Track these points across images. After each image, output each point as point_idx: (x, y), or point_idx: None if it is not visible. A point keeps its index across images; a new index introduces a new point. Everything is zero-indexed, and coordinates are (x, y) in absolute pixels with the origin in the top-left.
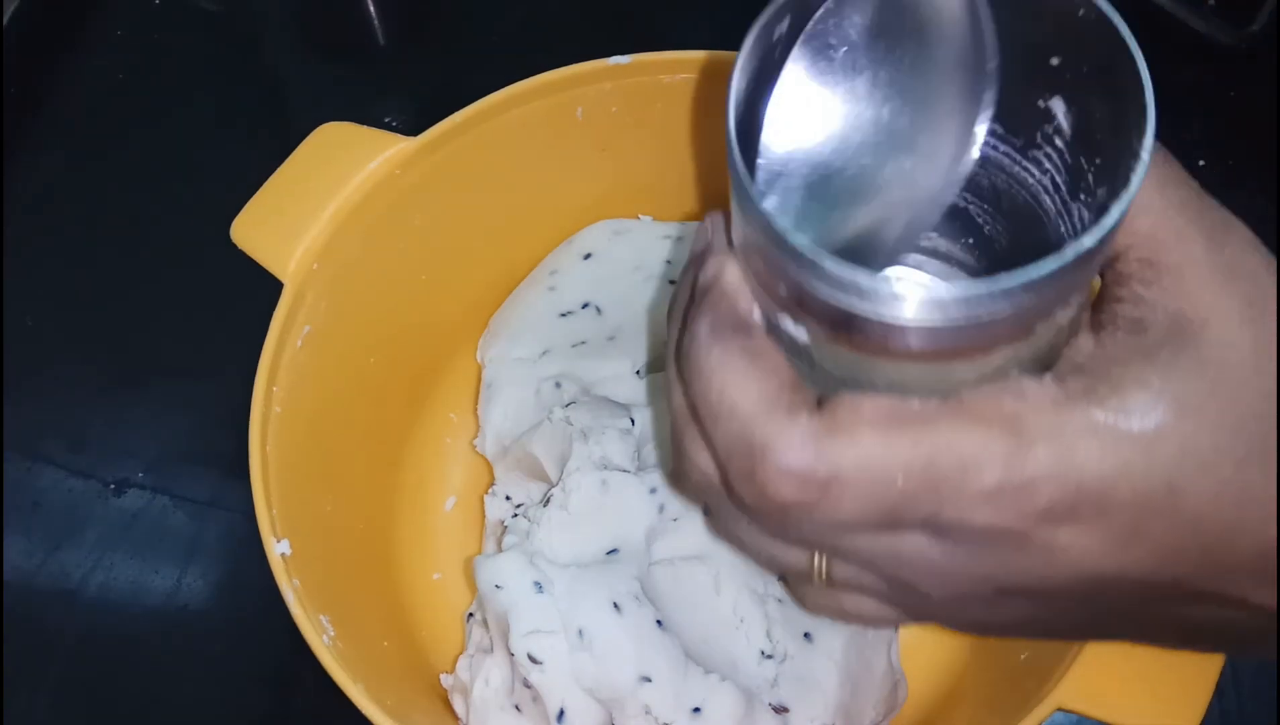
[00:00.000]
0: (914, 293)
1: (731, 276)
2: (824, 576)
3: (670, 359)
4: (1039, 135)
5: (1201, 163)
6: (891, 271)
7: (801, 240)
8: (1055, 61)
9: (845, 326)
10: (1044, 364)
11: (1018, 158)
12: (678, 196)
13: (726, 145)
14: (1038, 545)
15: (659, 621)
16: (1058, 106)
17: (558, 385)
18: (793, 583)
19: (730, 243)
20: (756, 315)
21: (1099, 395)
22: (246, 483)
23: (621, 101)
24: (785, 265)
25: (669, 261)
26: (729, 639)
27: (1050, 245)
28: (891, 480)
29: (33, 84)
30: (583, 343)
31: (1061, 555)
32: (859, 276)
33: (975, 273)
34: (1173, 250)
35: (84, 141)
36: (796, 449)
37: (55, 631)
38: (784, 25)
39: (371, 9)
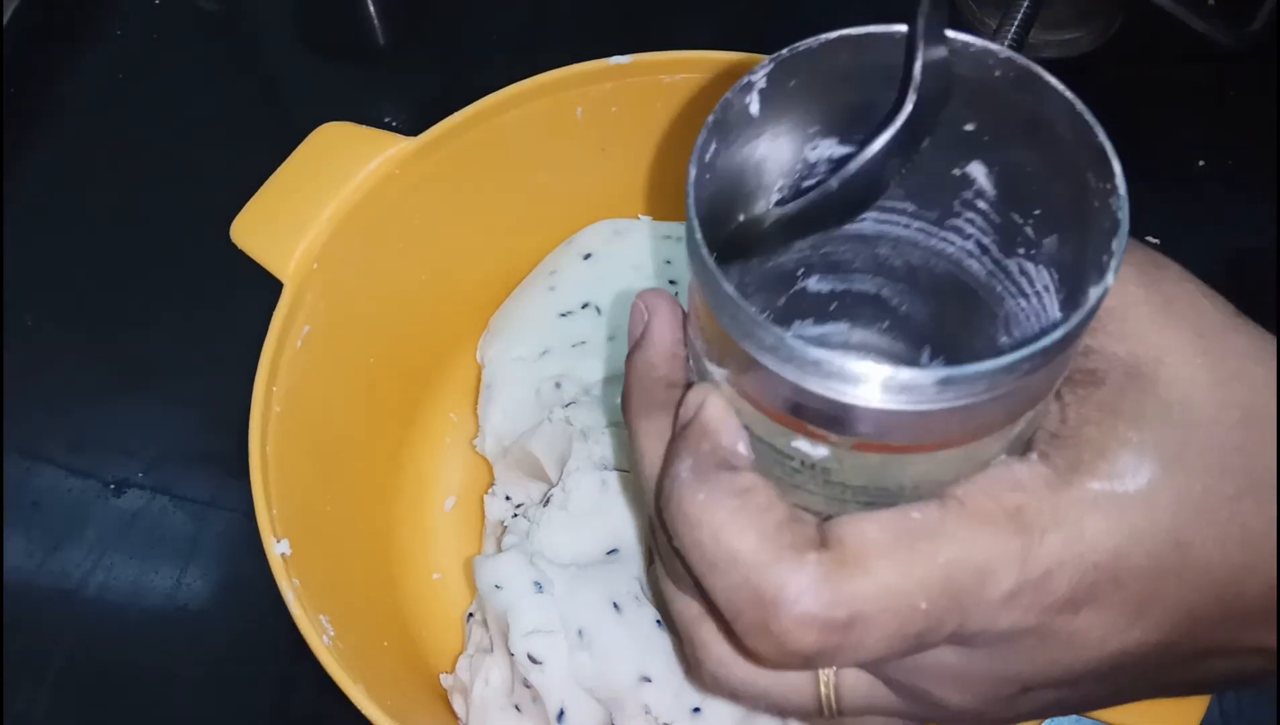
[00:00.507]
0: (967, 374)
1: (714, 410)
2: (835, 709)
3: (642, 478)
4: (957, 202)
5: (1201, 163)
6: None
7: (836, 357)
8: (970, 127)
9: (880, 430)
10: (1028, 437)
11: (934, 230)
12: (678, 196)
13: (701, 276)
14: (1062, 635)
15: (659, 621)
16: (977, 170)
17: (558, 385)
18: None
19: (686, 339)
20: (743, 447)
21: (1087, 464)
22: (246, 483)
23: (621, 101)
24: (813, 386)
25: (669, 261)
26: None
27: (983, 309)
28: (915, 607)
29: (33, 83)
30: (583, 343)
31: (1084, 638)
32: (909, 377)
33: (898, 355)
34: (1110, 294)
35: (84, 141)
36: (811, 594)
37: (55, 631)
38: (712, 148)
39: (371, 9)
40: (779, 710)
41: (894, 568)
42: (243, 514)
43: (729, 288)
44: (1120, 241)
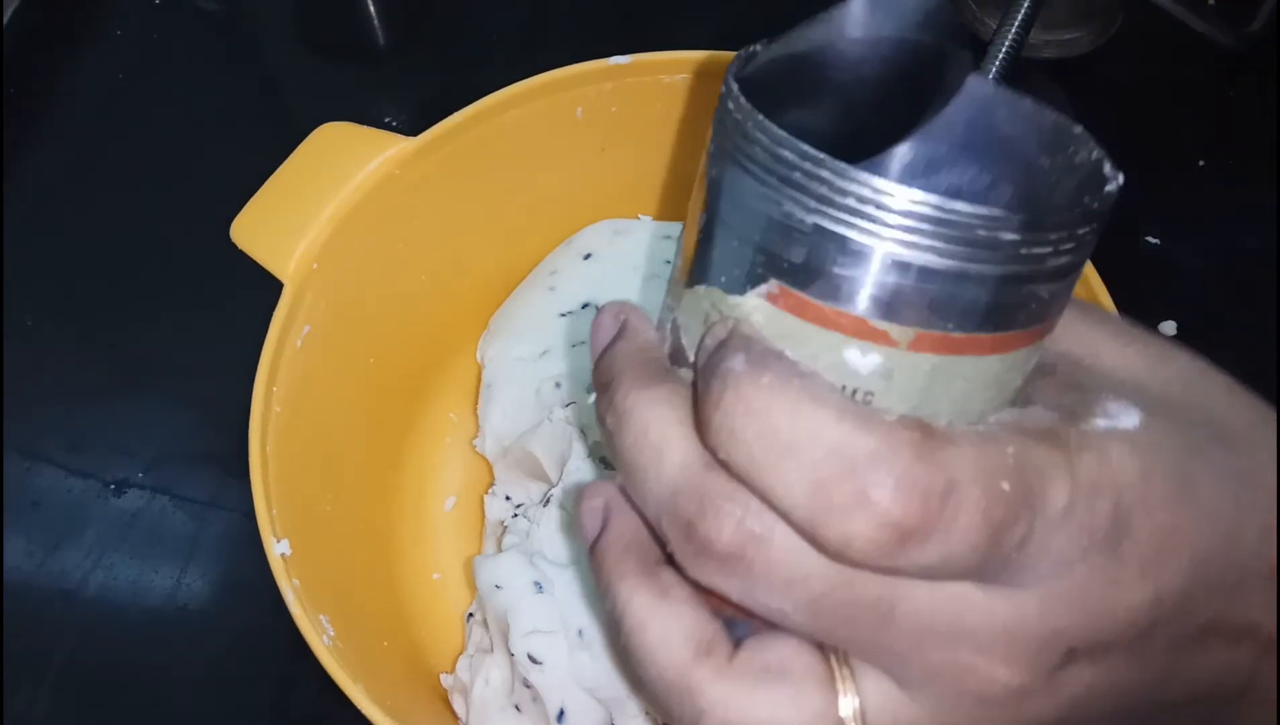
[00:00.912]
0: (1047, 219)
1: (748, 327)
2: None
3: (644, 453)
4: None
5: (1201, 163)
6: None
7: (930, 196)
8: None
9: (951, 302)
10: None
11: None
12: (678, 196)
13: (761, 144)
14: (1106, 571)
15: None
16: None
17: (558, 385)
18: None
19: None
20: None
21: (1083, 412)
22: (246, 483)
23: (621, 101)
24: (893, 241)
25: (669, 261)
26: None
27: None
28: (999, 488)
29: (33, 84)
30: (583, 343)
31: (1124, 575)
32: (1002, 215)
33: None
34: None
35: (84, 141)
36: (910, 453)
37: (55, 631)
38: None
39: (371, 9)
40: None
41: (976, 446)
42: (243, 514)
43: (810, 150)
44: (1112, 167)
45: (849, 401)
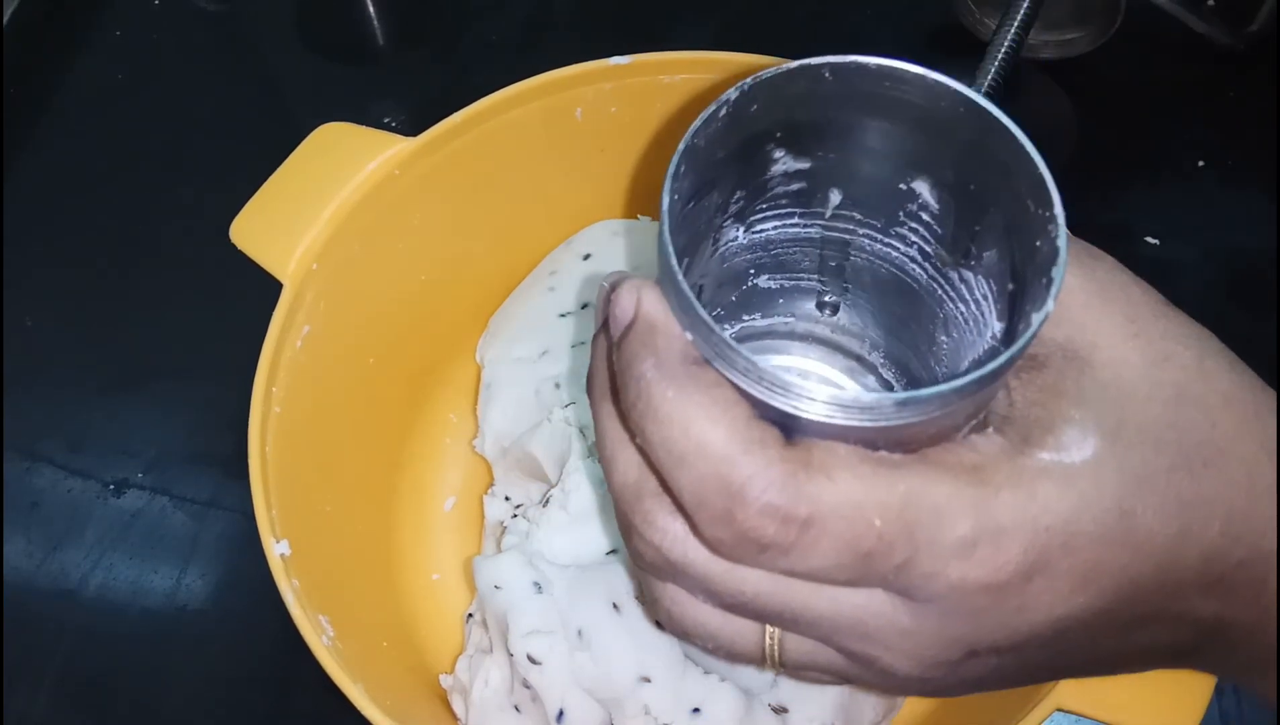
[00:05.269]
0: (920, 397)
1: (654, 305)
2: (777, 660)
3: (606, 435)
4: (901, 212)
5: (1201, 163)
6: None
7: (796, 383)
8: (919, 149)
9: (842, 437)
10: (981, 419)
11: (878, 236)
12: None
13: (682, 307)
14: (1012, 600)
15: (659, 622)
16: (922, 186)
17: (557, 385)
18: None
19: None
20: (690, 336)
21: (1036, 438)
22: (246, 483)
23: (621, 101)
24: (774, 401)
25: None
26: None
27: (924, 308)
28: (869, 522)
29: (33, 84)
30: (582, 343)
31: (1033, 604)
32: (871, 399)
33: (841, 345)
34: None
35: (84, 141)
36: (777, 486)
37: (55, 631)
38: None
39: (371, 9)
40: (725, 652)
41: (856, 482)
42: (243, 514)
43: (708, 319)
44: (1059, 269)
45: (743, 422)
